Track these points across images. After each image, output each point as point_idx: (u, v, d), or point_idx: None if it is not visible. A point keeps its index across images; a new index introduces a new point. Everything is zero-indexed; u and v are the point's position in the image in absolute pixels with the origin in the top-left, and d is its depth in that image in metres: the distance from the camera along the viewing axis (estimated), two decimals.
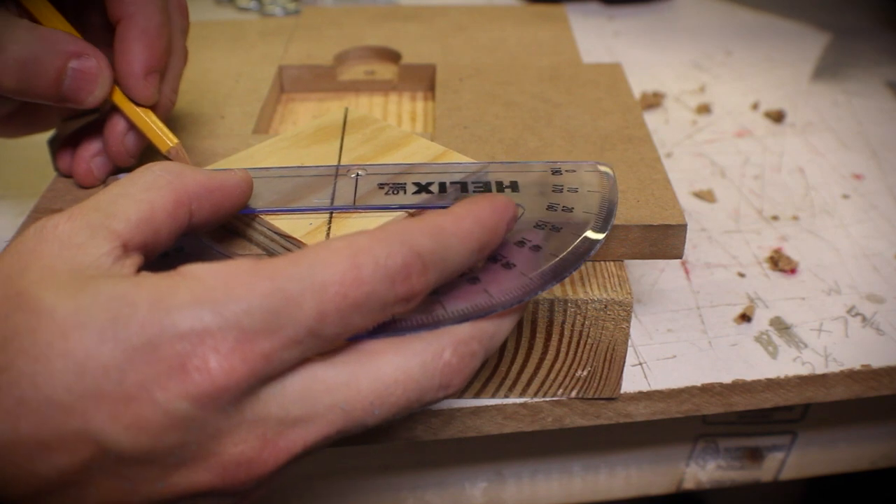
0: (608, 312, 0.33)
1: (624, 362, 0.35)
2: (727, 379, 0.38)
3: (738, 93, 0.64)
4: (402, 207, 0.32)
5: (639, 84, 0.63)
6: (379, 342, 0.26)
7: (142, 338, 0.22)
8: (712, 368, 0.38)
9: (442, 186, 0.33)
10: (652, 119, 0.59)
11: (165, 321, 0.22)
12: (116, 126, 0.37)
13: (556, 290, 0.33)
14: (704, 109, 0.61)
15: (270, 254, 0.33)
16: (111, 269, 0.24)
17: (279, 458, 0.24)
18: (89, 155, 0.38)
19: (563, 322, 0.34)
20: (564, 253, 0.29)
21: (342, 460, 0.44)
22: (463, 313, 0.27)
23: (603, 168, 0.33)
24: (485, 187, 0.33)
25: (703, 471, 0.47)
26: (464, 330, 0.26)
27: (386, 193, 0.33)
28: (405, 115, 0.48)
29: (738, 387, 0.38)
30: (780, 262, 0.45)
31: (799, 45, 0.72)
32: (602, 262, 0.35)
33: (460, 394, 0.36)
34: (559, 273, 0.28)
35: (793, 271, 0.45)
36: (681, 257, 0.36)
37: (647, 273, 0.45)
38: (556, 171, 0.33)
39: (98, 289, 0.23)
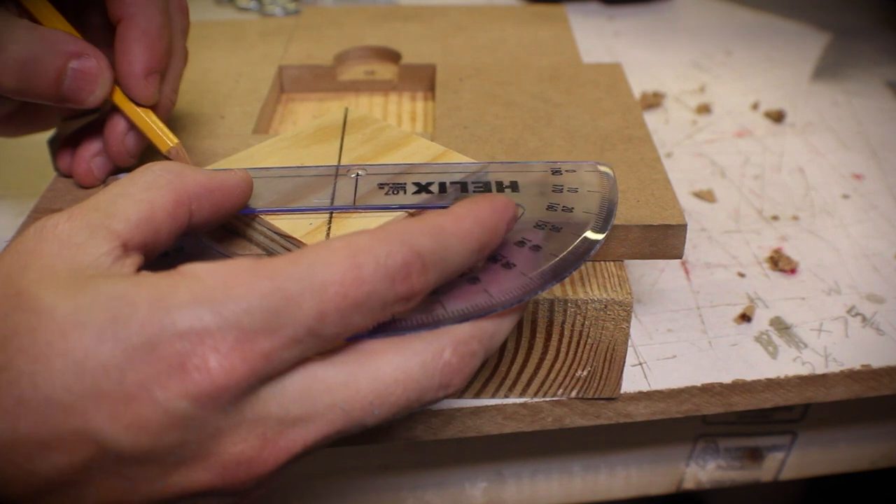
0: (608, 312, 0.33)
1: (624, 362, 0.35)
2: (727, 379, 0.38)
3: (738, 93, 0.64)
4: (402, 207, 0.32)
5: (639, 84, 0.63)
6: (379, 342, 0.26)
7: (141, 337, 0.22)
8: (712, 368, 0.38)
9: (442, 186, 0.33)
10: (652, 119, 0.59)
11: (165, 320, 0.22)
12: (116, 126, 0.37)
13: (556, 290, 0.33)
14: (704, 109, 0.61)
15: (270, 254, 0.33)
16: (111, 268, 0.24)
17: (279, 458, 0.24)
18: (89, 155, 0.38)
19: (563, 322, 0.34)
20: (564, 253, 0.29)
21: (342, 460, 0.44)
22: (463, 313, 0.27)
23: (603, 168, 0.33)
24: (485, 187, 0.33)
25: (703, 471, 0.47)
26: (464, 329, 0.26)
27: (386, 193, 0.33)
28: (405, 115, 0.48)
29: (738, 387, 0.38)
30: (780, 262, 0.45)
31: (799, 45, 0.72)
32: (602, 262, 0.35)
33: (460, 394, 0.36)
34: (559, 273, 0.28)
35: (793, 271, 0.45)
36: (681, 257, 0.36)
37: (647, 273, 0.45)
38: (556, 171, 0.33)
39: (98, 288, 0.23)
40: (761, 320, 0.41)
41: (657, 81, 0.65)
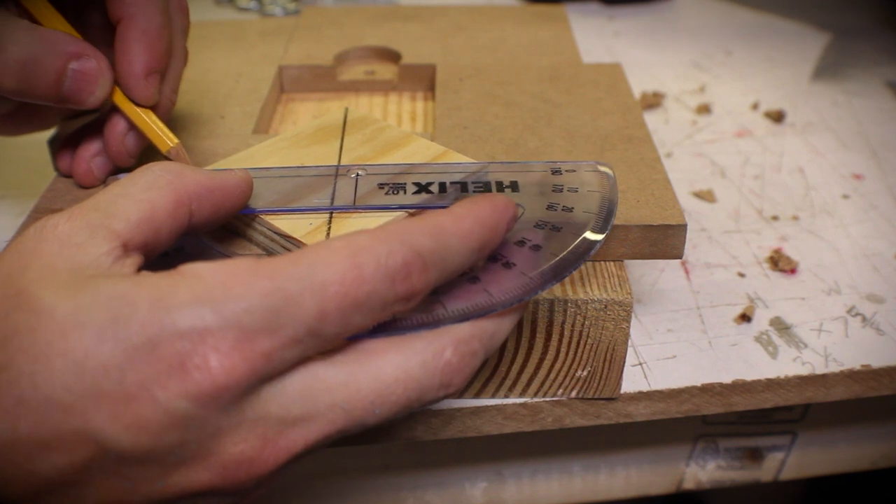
0: (608, 312, 0.33)
1: (624, 362, 0.35)
2: (727, 379, 0.38)
3: (738, 93, 0.64)
4: (402, 207, 0.32)
5: (639, 84, 0.63)
6: (379, 341, 0.26)
7: (142, 337, 0.22)
8: (712, 368, 0.38)
9: (442, 186, 0.33)
10: (652, 119, 0.59)
11: (165, 320, 0.22)
12: (116, 126, 0.37)
13: (556, 290, 0.33)
14: (704, 109, 0.61)
15: (270, 254, 0.33)
16: (111, 268, 0.24)
17: (279, 458, 0.24)
18: (89, 155, 0.38)
19: (563, 322, 0.34)
20: (564, 252, 0.29)
21: (342, 460, 0.44)
22: (463, 312, 0.27)
23: (603, 168, 0.33)
24: (485, 187, 0.33)
25: (703, 471, 0.47)
26: (464, 329, 0.26)
27: (386, 193, 0.33)
28: (405, 115, 0.48)
29: (738, 387, 0.38)
30: (780, 262, 0.45)
31: (799, 45, 0.72)
32: (602, 262, 0.35)
33: (460, 394, 0.36)
34: (559, 272, 0.28)
35: (793, 271, 0.45)
36: (681, 257, 0.36)
37: (647, 273, 0.45)
38: (556, 171, 0.33)
39: (98, 288, 0.23)
40: (761, 320, 0.41)
41: (657, 81, 0.65)
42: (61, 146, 0.39)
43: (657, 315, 0.42)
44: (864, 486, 0.73)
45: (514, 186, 0.33)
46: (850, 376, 0.39)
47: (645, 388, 0.37)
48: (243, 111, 0.45)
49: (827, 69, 0.68)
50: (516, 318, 0.28)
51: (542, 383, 0.36)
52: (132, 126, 0.37)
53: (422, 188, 0.33)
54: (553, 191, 0.32)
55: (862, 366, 0.39)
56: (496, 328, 0.27)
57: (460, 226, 0.26)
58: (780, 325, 0.41)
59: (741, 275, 0.44)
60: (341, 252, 0.24)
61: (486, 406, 0.36)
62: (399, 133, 0.38)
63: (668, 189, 0.37)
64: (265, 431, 0.24)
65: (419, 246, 0.25)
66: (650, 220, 0.35)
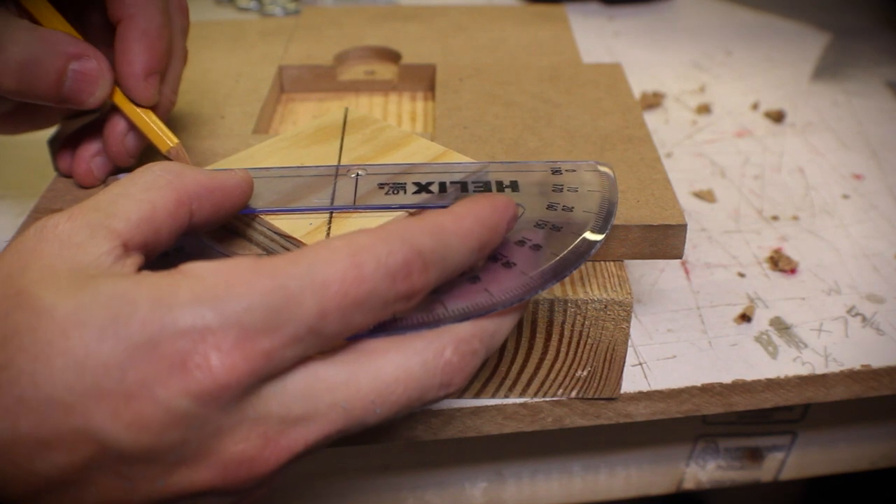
0: (608, 312, 0.33)
1: (624, 362, 0.35)
2: (727, 379, 0.38)
3: (738, 93, 0.64)
4: (402, 207, 0.32)
5: (639, 84, 0.64)
6: (380, 341, 0.26)
7: (142, 336, 0.22)
8: (712, 368, 0.38)
9: (442, 186, 0.33)
10: (652, 119, 0.59)
11: (166, 319, 0.22)
12: (116, 126, 0.37)
13: (556, 290, 0.33)
14: (704, 109, 0.61)
15: (270, 254, 0.33)
16: (111, 268, 0.24)
17: (280, 457, 0.24)
18: (89, 155, 0.38)
19: (563, 322, 0.34)
20: (565, 252, 0.29)
21: (342, 460, 0.44)
22: (463, 312, 0.27)
23: (603, 168, 0.33)
24: (485, 187, 0.33)
25: (703, 471, 0.47)
26: (465, 328, 0.26)
27: (386, 193, 0.33)
28: (405, 115, 0.48)
29: (738, 387, 0.38)
30: (780, 262, 0.45)
31: (799, 45, 0.72)
32: (602, 262, 0.35)
33: (461, 393, 0.36)
34: (559, 272, 0.28)
35: (793, 271, 0.45)
36: (681, 257, 0.36)
37: (647, 273, 0.45)
38: (556, 171, 0.34)
39: (98, 287, 0.23)
40: (761, 320, 0.41)
41: (657, 81, 0.65)
42: (61, 146, 0.39)
43: (657, 315, 0.42)
44: (864, 486, 0.73)
45: (514, 186, 0.33)
46: (850, 376, 0.39)
47: (645, 388, 0.37)
48: (243, 111, 0.45)
49: (827, 69, 0.68)
50: (517, 317, 0.28)
51: (542, 383, 0.36)
52: (132, 126, 0.37)
53: (422, 188, 0.33)
54: (553, 190, 0.32)
55: (862, 366, 0.39)
56: (497, 328, 0.27)
57: (461, 225, 0.26)
58: (780, 325, 0.41)
59: (741, 275, 0.45)
60: (342, 251, 0.24)
61: (486, 406, 0.36)
62: (399, 133, 0.38)
63: (668, 189, 0.37)
64: (266, 431, 0.24)
65: (420, 245, 0.25)
66: (650, 220, 0.35)
